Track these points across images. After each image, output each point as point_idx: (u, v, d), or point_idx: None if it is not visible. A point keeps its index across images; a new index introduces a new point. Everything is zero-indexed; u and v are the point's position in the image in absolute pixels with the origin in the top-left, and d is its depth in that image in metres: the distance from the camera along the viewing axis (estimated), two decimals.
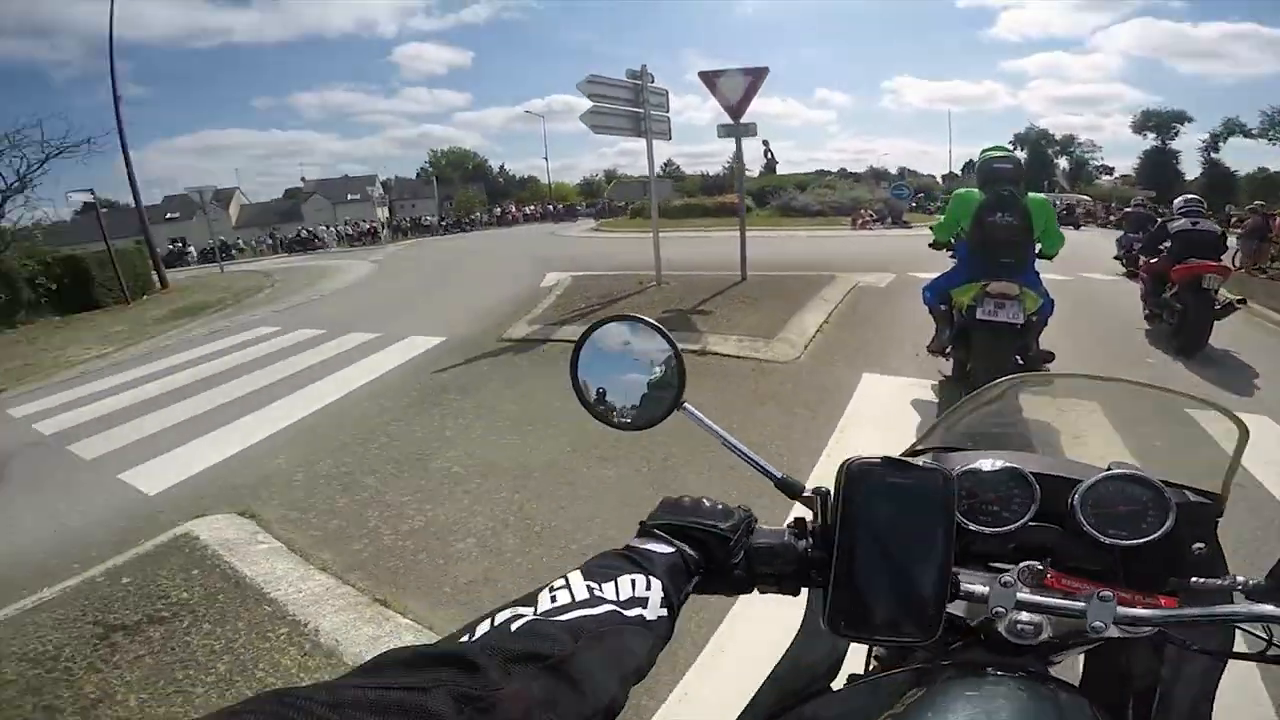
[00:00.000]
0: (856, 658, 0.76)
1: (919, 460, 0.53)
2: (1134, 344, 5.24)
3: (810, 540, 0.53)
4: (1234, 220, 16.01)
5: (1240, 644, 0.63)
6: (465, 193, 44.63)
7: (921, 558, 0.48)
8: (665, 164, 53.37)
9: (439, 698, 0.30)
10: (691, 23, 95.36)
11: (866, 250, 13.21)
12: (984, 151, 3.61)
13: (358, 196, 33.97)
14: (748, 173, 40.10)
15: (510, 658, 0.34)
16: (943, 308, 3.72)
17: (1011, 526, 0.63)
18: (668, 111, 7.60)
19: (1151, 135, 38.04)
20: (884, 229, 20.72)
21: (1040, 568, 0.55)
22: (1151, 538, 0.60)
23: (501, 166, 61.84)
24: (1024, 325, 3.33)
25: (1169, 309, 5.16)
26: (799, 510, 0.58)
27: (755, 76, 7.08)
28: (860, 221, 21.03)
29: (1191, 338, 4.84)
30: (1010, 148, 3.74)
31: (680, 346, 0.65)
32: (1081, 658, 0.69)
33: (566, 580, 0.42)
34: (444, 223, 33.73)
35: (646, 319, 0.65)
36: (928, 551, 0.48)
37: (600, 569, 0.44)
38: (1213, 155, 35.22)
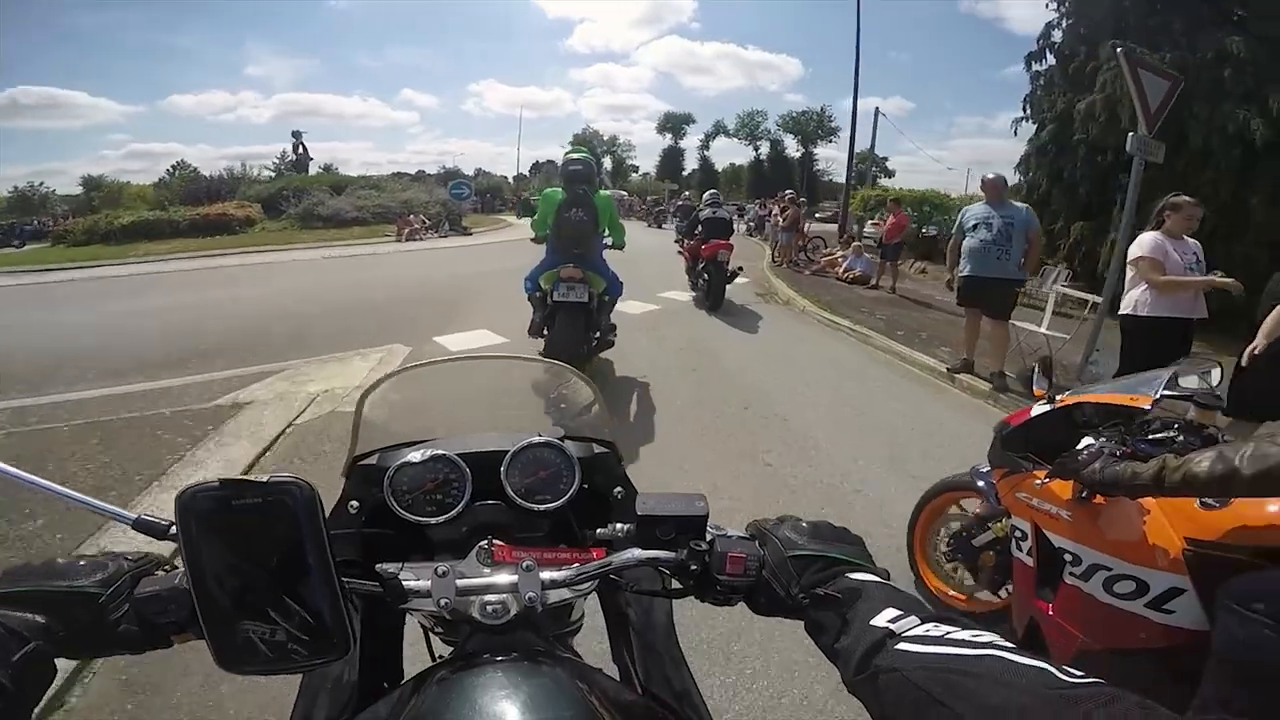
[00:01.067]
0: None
1: (265, 477, 0.45)
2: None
3: None
4: (740, 209, 19.03)
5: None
6: None
7: (299, 576, 0.44)
8: (175, 165, 36.88)
9: None
10: (274, 16, 75.77)
11: (391, 282, 9.09)
12: (566, 153, 4.03)
13: None
14: (269, 174, 29.75)
15: None
16: (537, 294, 4.00)
17: (452, 512, 0.65)
18: None
19: (669, 135, 47.36)
20: (439, 238, 18.41)
21: (487, 546, 0.56)
22: (567, 496, 0.66)
23: None
24: (596, 305, 3.89)
25: (701, 278, 6.89)
26: None
27: None
28: (408, 231, 17.95)
29: (716, 298, 6.71)
30: (585, 149, 4.22)
31: None
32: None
33: None
34: None
35: None
36: (304, 568, 0.44)
37: None
38: (705, 153, 46.18)
